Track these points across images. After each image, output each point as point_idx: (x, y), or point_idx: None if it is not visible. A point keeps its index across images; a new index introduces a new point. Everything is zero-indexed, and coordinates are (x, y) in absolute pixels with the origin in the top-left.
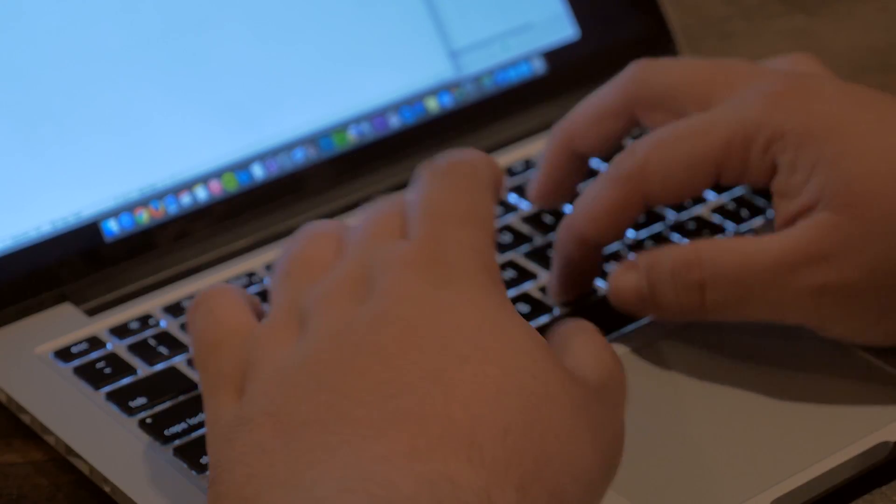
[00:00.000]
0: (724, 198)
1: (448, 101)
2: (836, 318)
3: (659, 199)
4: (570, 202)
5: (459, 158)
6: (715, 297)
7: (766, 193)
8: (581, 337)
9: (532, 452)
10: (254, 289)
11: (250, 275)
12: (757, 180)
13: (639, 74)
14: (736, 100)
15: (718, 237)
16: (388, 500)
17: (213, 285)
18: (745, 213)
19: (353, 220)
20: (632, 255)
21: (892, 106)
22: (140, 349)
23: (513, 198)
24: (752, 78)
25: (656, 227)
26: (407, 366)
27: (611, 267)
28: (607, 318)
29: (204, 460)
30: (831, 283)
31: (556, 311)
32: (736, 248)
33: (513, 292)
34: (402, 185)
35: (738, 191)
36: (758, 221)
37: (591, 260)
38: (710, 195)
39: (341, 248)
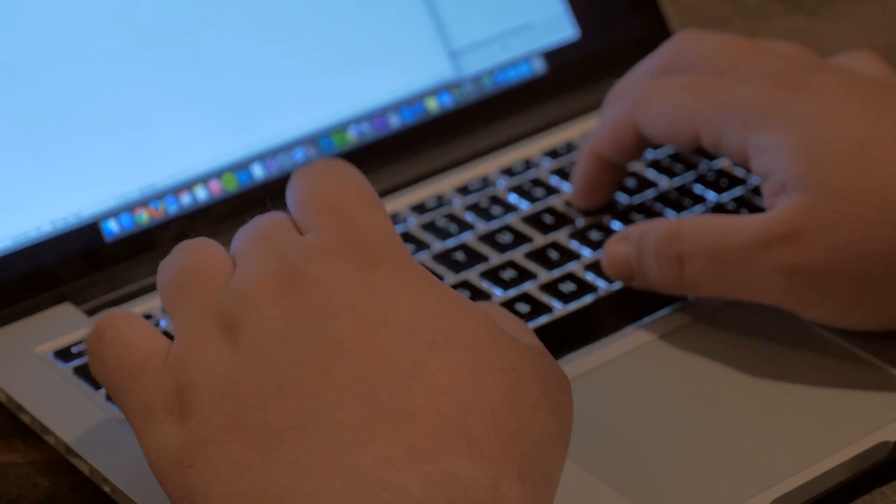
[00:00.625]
0: (725, 197)
1: (448, 101)
2: (809, 300)
3: (646, 133)
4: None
5: (329, 159)
6: (692, 272)
7: None
8: (496, 310)
9: (520, 432)
10: None
11: None
12: (731, 156)
13: (681, 44)
14: (737, 76)
15: (701, 214)
16: None
17: (108, 312)
18: (744, 212)
19: (236, 235)
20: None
21: (888, 100)
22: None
23: (513, 198)
24: (781, 59)
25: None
26: (371, 360)
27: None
28: (607, 318)
29: None
30: (800, 263)
31: (557, 312)
32: (714, 225)
33: (513, 292)
34: (401, 185)
35: (738, 191)
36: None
37: (603, 174)
38: (711, 195)
39: (232, 255)
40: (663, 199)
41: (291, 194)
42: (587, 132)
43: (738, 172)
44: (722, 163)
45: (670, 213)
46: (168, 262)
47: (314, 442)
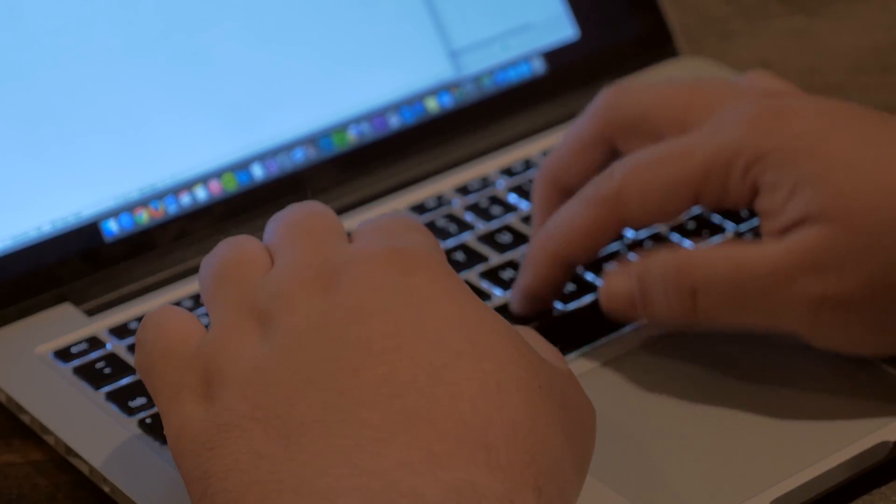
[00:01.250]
0: None
1: (448, 101)
2: (832, 329)
3: (636, 223)
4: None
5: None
6: (707, 304)
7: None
8: (529, 333)
9: (540, 448)
10: None
11: None
12: (737, 203)
13: (611, 101)
14: (714, 123)
15: (712, 243)
16: None
17: (160, 307)
18: (744, 212)
19: (273, 219)
20: (630, 256)
21: (869, 120)
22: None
23: (512, 198)
24: (729, 99)
25: (656, 228)
26: (402, 362)
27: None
28: (607, 318)
29: None
30: (831, 293)
31: (557, 312)
32: (730, 255)
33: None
34: (401, 186)
35: None
36: (756, 222)
37: (560, 278)
38: None
39: (269, 244)
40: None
41: (354, 231)
42: (537, 234)
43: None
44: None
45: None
46: (209, 256)
47: (336, 439)
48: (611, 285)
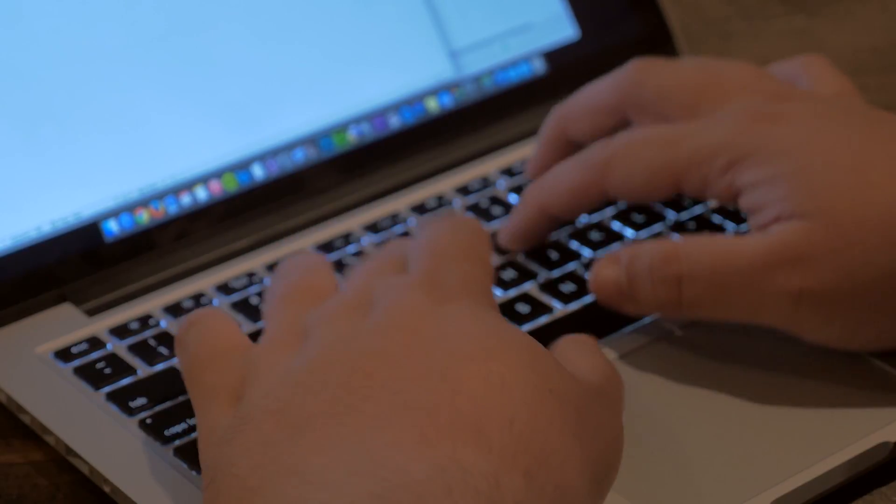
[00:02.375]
0: None
1: (448, 101)
2: (814, 323)
3: (619, 195)
4: None
5: (456, 212)
6: (692, 294)
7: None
8: (577, 347)
9: (537, 442)
10: (253, 289)
11: (250, 275)
12: (719, 198)
13: (634, 76)
14: (710, 119)
15: (700, 235)
16: (398, 485)
17: (204, 308)
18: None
19: (359, 262)
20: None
21: (864, 121)
22: (140, 349)
23: (513, 198)
24: (740, 93)
25: (656, 228)
26: (413, 365)
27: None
28: (607, 318)
29: None
30: (808, 287)
31: (557, 312)
32: (716, 246)
33: (513, 292)
34: (401, 186)
35: None
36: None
37: (543, 227)
38: None
39: (339, 280)
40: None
41: (417, 234)
42: (532, 182)
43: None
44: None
45: (671, 214)
46: (287, 272)
47: (336, 427)
48: (599, 273)
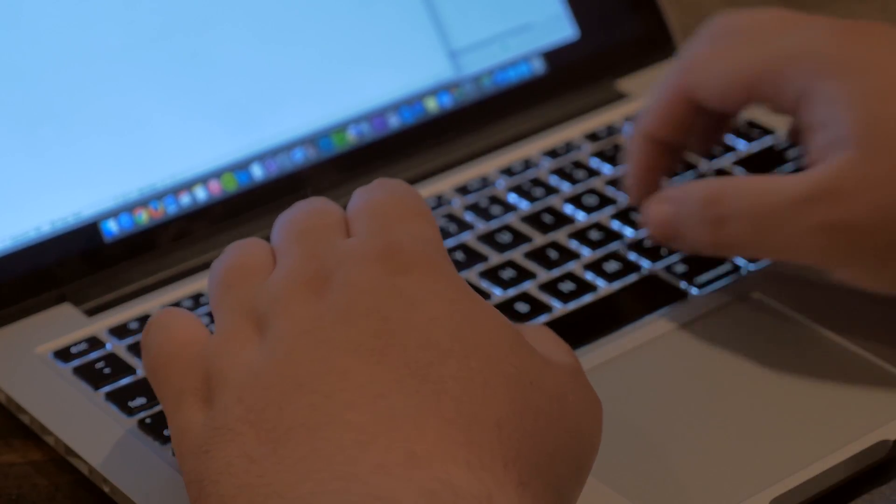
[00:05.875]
0: None
1: (447, 101)
2: (844, 258)
3: (702, 98)
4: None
5: (387, 178)
6: (731, 233)
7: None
8: (536, 329)
9: (527, 443)
10: None
11: None
12: (785, 105)
13: (723, 19)
14: (796, 30)
15: (744, 176)
16: None
17: (164, 309)
18: None
19: (279, 219)
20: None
21: None
22: (140, 349)
23: (512, 198)
24: (823, 20)
25: None
26: (389, 362)
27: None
28: (606, 318)
29: None
30: (840, 220)
31: (556, 311)
32: (756, 186)
33: (513, 292)
34: None
35: None
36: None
37: (654, 158)
38: None
39: (276, 252)
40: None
41: (348, 205)
42: (636, 116)
43: (738, 172)
44: (721, 163)
45: None
46: (217, 261)
47: (319, 443)
48: (651, 212)
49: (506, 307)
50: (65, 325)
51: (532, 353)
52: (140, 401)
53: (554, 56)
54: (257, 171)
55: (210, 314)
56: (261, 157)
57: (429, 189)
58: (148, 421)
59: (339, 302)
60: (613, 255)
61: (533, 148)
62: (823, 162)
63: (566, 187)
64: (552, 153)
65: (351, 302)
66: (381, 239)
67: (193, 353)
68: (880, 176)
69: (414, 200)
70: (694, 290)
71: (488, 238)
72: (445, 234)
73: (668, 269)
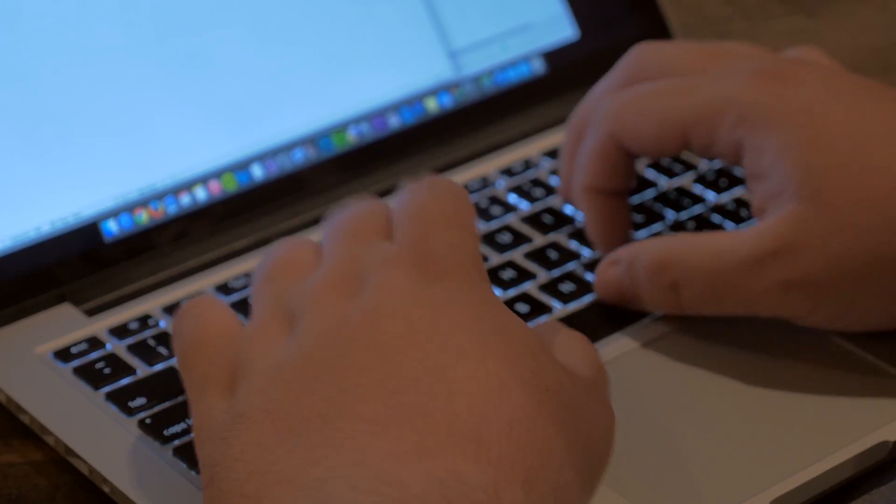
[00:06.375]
0: (724, 198)
1: (447, 101)
2: (805, 309)
3: (630, 145)
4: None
5: (438, 177)
6: (689, 296)
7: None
8: (563, 334)
9: (536, 447)
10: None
11: (249, 275)
12: (724, 156)
13: (639, 55)
14: (721, 71)
15: (693, 234)
16: (398, 500)
17: (198, 296)
18: (744, 212)
19: (330, 219)
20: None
21: (874, 97)
22: (140, 349)
23: (512, 198)
24: (747, 58)
25: (656, 227)
26: (407, 362)
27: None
28: (606, 318)
29: None
30: (796, 276)
31: (556, 312)
32: (706, 248)
33: (513, 292)
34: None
35: (739, 191)
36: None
37: (606, 209)
38: (710, 195)
39: (320, 252)
40: (663, 199)
41: (395, 202)
42: (573, 176)
43: (738, 172)
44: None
45: (670, 213)
46: (266, 255)
47: (332, 432)
48: (603, 274)
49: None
50: (65, 325)
51: (553, 362)
52: (140, 401)
53: (554, 56)
54: (257, 172)
55: (241, 304)
56: (261, 158)
57: None
58: (148, 421)
59: (367, 303)
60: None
61: (533, 148)
62: (771, 215)
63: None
64: (552, 153)
65: (378, 303)
66: (419, 246)
67: (223, 343)
68: (829, 227)
69: (458, 207)
70: None
71: (488, 238)
72: None
73: None
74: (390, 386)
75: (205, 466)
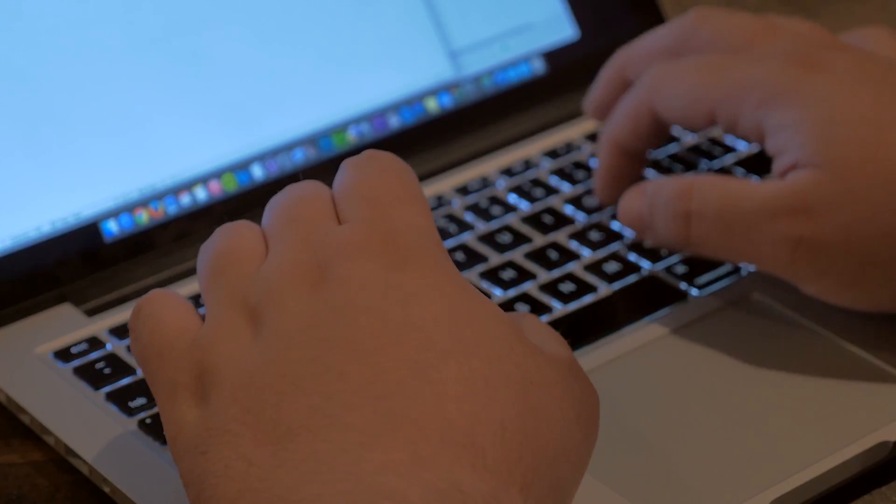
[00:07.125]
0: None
1: (448, 101)
2: (811, 274)
3: (664, 117)
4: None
5: (378, 151)
6: (699, 231)
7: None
8: (528, 316)
9: (529, 446)
10: None
11: None
12: (747, 136)
13: (693, 21)
14: (761, 53)
15: (720, 175)
16: None
17: (152, 292)
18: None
19: (270, 203)
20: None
21: None
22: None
23: (512, 198)
24: (795, 38)
25: None
26: (388, 363)
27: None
28: (606, 318)
29: None
30: (807, 236)
31: (556, 312)
32: (725, 187)
33: (513, 292)
34: None
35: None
36: None
37: (627, 165)
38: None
39: (266, 236)
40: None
41: (336, 182)
42: (605, 124)
43: (738, 173)
44: (722, 162)
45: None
46: (206, 245)
47: (321, 444)
48: (626, 202)
49: (506, 308)
50: (65, 325)
51: (531, 349)
52: (140, 401)
53: (554, 56)
54: (257, 172)
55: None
56: (261, 158)
57: (429, 189)
58: (148, 421)
59: (335, 299)
60: (614, 256)
61: (533, 148)
62: (789, 176)
63: (566, 188)
64: (552, 153)
65: (348, 299)
66: (376, 228)
67: (185, 344)
68: (844, 195)
69: (405, 180)
70: (694, 292)
71: (488, 239)
72: (446, 235)
73: (669, 270)
74: (374, 391)
75: (189, 483)
